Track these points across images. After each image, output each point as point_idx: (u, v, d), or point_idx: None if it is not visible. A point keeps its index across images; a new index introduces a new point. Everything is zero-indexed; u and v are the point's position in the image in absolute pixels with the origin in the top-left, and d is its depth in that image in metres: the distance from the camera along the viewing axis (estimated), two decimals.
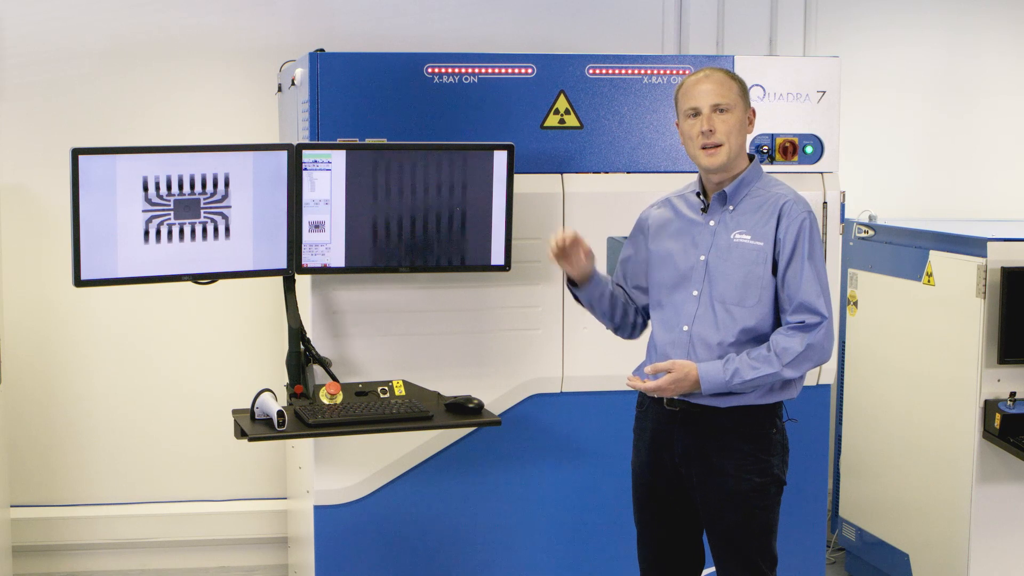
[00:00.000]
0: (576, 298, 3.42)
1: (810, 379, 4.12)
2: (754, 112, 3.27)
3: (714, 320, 3.18)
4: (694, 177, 3.34)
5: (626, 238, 3.46)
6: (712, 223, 3.23)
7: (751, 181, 3.24)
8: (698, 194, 3.28)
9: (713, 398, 3.16)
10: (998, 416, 4.06)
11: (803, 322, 3.12)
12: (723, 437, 3.19)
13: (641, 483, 3.37)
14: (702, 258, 3.22)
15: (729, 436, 3.19)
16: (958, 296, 4.19)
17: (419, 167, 3.77)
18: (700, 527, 3.33)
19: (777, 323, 3.19)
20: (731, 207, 3.22)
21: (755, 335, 3.17)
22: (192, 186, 3.60)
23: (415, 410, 3.71)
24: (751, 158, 3.27)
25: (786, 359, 3.09)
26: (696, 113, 3.19)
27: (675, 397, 3.21)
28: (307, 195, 3.71)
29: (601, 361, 3.96)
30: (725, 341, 3.17)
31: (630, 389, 3.25)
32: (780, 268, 3.15)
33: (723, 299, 3.18)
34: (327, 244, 3.77)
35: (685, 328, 3.21)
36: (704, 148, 3.18)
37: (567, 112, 3.99)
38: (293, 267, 3.77)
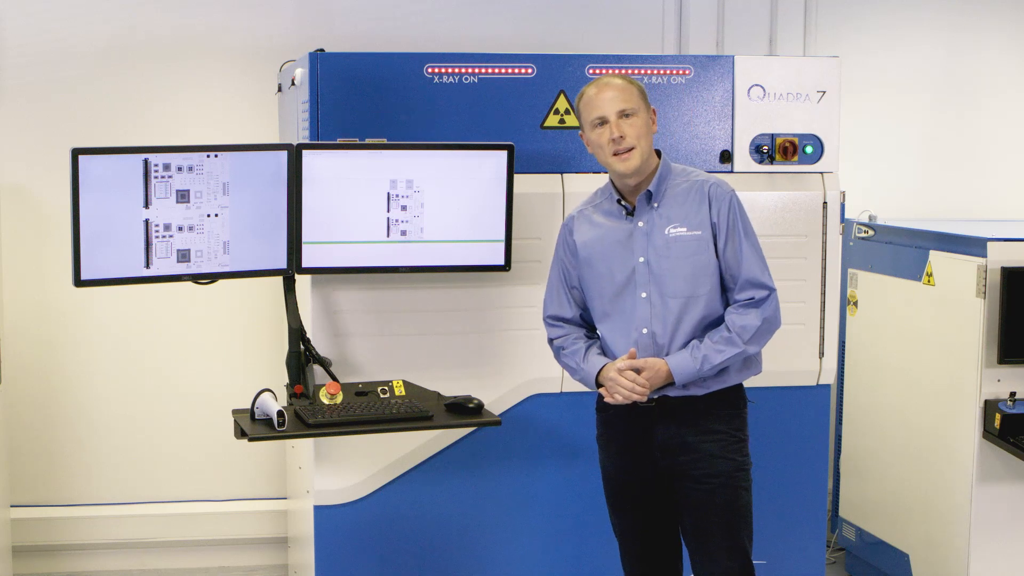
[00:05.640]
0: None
1: (810, 379, 4.14)
2: (655, 112, 3.31)
3: (673, 315, 3.24)
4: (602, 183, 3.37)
5: None
6: (641, 224, 3.28)
7: (667, 175, 3.31)
8: (618, 201, 3.32)
9: (690, 387, 3.23)
10: (998, 416, 4.06)
11: (752, 298, 3.23)
12: (701, 422, 3.26)
13: (616, 488, 3.41)
14: (641, 260, 3.27)
15: (707, 420, 3.26)
16: (958, 296, 4.19)
17: (419, 167, 3.77)
18: (676, 524, 3.37)
19: (726, 302, 3.27)
20: (655, 204, 3.28)
21: (712, 320, 3.26)
22: (192, 186, 3.60)
23: (415, 410, 3.71)
24: (659, 154, 3.33)
25: (746, 336, 3.20)
26: (603, 122, 3.23)
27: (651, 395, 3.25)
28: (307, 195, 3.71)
29: None
30: (688, 333, 3.24)
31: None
32: (720, 249, 3.23)
33: (676, 294, 3.24)
34: (327, 244, 3.77)
35: (644, 331, 3.26)
36: (616, 154, 3.23)
37: (567, 112, 3.99)
38: (293, 267, 3.77)
